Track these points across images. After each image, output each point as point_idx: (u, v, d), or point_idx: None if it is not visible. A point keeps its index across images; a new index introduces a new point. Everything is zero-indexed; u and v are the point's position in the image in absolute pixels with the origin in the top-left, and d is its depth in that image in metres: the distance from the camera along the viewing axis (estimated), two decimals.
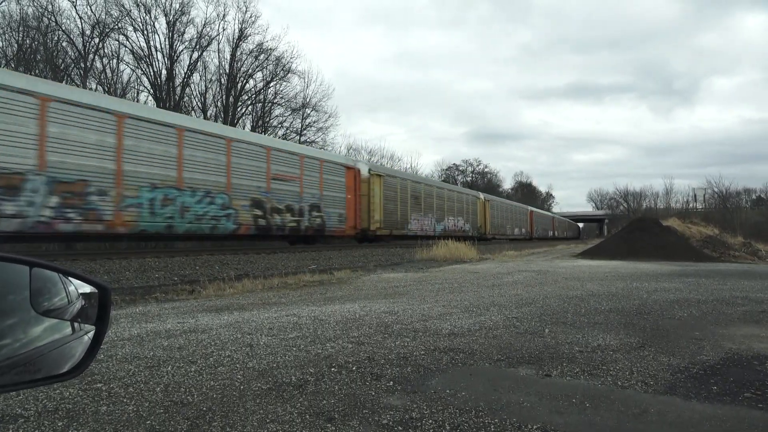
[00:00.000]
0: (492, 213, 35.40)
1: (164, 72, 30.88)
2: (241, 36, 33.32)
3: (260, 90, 35.23)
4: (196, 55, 32.00)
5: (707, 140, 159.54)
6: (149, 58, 30.26)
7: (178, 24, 30.91)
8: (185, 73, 31.90)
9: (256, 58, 34.26)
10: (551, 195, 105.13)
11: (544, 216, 59.33)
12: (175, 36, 30.98)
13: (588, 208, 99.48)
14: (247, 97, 35.10)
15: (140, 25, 29.78)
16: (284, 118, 36.43)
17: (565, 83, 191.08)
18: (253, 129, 33.18)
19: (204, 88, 33.22)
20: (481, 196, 34.79)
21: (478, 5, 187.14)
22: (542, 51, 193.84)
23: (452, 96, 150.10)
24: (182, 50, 31.62)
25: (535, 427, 2.00)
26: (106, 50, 29.29)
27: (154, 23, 30.27)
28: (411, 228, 23.29)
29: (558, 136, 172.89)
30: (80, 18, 27.87)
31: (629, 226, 18.99)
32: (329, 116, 37.60)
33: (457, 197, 30.19)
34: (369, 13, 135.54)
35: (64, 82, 24.06)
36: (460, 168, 76.72)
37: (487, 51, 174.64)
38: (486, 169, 79.76)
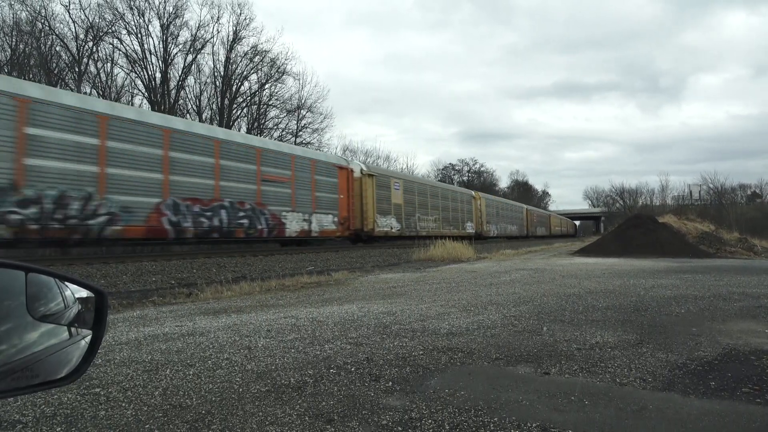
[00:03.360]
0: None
1: (159, 75, 30.84)
2: (236, 38, 33.37)
3: (255, 92, 35.25)
4: (190, 57, 32.00)
5: (697, 136, 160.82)
6: (143, 62, 30.23)
7: (171, 27, 30.91)
8: (180, 76, 31.89)
9: (251, 60, 34.30)
10: (547, 193, 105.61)
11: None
12: (169, 39, 30.97)
13: (584, 206, 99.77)
14: (242, 100, 35.10)
15: (134, 28, 29.78)
16: (279, 120, 36.47)
17: (552, 82, 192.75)
18: (249, 131, 33.15)
19: (199, 91, 33.24)
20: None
21: (462, 7, 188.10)
22: (528, 51, 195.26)
23: (442, 97, 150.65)
24: (176, 53, 31.63)
25: (534, 425, 2.00)
26: (100, 54, 29.28)
27: (147, 26, 30.25)
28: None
29: (549, 135, 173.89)
30: (74, 22, 27.86)
31: (625, 224, 19.01)
32: (324, 117, 37.69)
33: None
34: (354, 16, 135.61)
35: (57, 86, 23.97)
36: (456, 167, 76.94)
37: (474, 52, 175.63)
38: (482, 168, 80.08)
